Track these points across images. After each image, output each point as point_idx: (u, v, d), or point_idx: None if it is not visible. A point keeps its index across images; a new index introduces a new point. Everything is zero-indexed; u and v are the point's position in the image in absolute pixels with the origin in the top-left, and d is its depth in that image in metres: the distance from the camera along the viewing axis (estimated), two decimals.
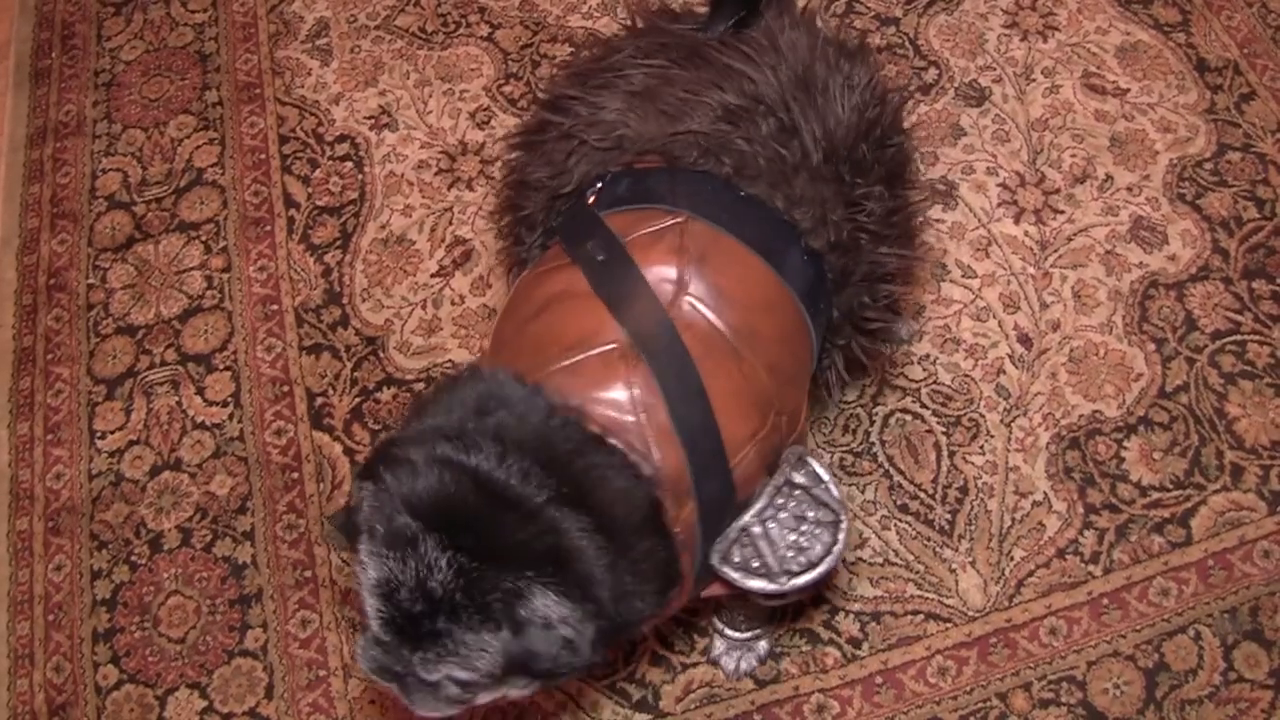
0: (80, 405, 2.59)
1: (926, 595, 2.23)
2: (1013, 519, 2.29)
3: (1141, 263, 2.55)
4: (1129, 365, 2.43)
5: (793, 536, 1.63)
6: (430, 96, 2.96)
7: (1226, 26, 2.88)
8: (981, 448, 2.36)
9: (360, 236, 2.74)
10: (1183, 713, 2.11)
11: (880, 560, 2.27)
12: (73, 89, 3.09)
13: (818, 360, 1.91)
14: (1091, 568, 2.24)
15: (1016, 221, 2.62)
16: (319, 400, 2.53)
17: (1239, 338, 2.45)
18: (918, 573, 2.25)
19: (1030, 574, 2.24)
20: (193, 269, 2.74)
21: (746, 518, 1.63)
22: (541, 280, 1.73)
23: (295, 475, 2.45)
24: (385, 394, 2.52)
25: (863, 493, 2.33)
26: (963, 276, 2.55)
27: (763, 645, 2.17)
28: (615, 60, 1.94)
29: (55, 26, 3.23)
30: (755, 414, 1.64)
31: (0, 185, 2.93)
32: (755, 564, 1.63)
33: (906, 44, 2.91)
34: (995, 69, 2.85)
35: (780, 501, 1.64)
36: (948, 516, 2.30)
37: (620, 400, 1.53)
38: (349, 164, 2.86)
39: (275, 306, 2.66)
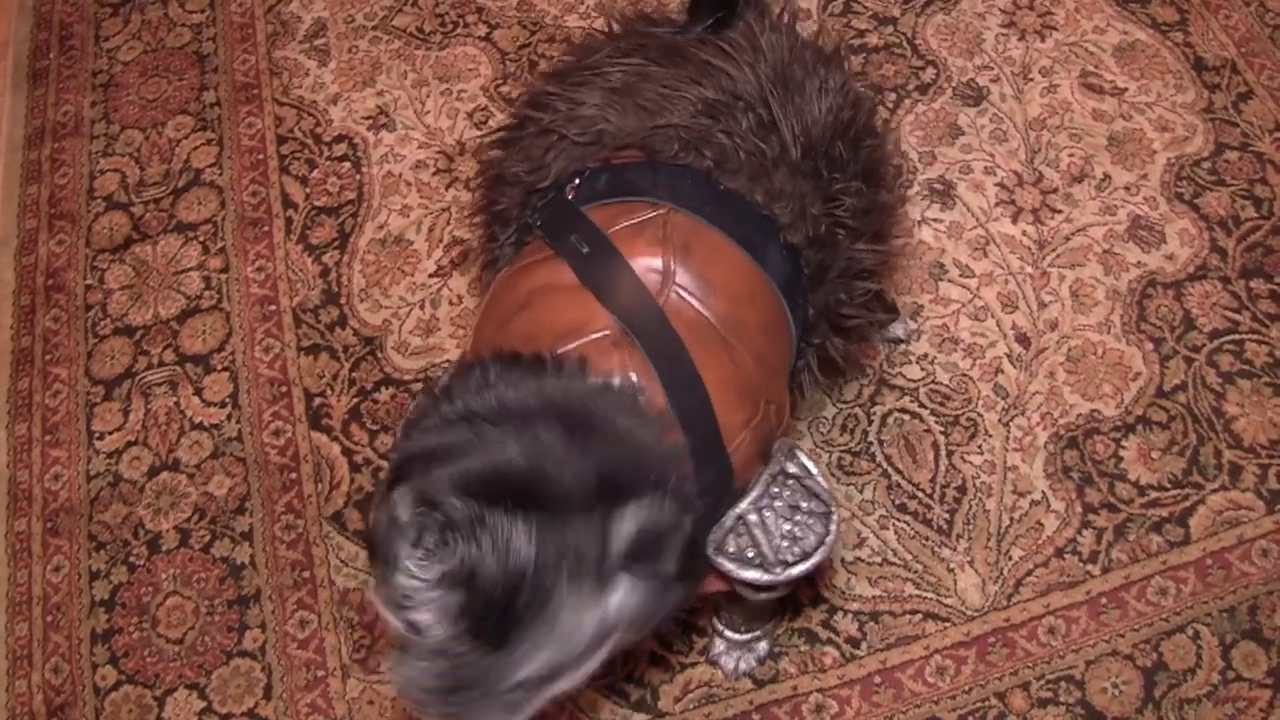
0: (78, 406, 2.59)
1: (925, 595, 2.23)
2: (1011, 518, 2.29)
3: (1139, 262, 2.55)
4: (1127, 364, 2.43)
5: (787, 526, 1.63)
6: (428, 97, 2.96)
7: (1224, 25, 2.88)
8: (980, 447, 2.36)
9: (358, 237, 2.74)
10: (1181, 712, 2.11)
11: (878, 560, 2.27)
12: (70, 89, 3.09)
13: (794, 359, 1.92)
14: (1090, 567, 2.24)
15: (1014, 221, 2.62)
16: (317, 401, 2.53)
17: (1237, 337, 2.45)
18: (916, 572, 2.25)
19: (1029, 573, 2.24)
20: (191, 269, 2.74)
21: (743, 505, 1.62)
22: (521, 276, 1.73)
23: (293, 476, 2.45)
24: (383, 394, 2.52)
25: (861, 492, 2.33)
26: (960, 276, 2.55)
27: (762, 646, 2.17)
28: (594, 60, 1.95)
29: (53, 27, 3.23)
30: (747, 402, 1.64)
31: None
32: (750, 554, 1.63)
33: (904, 43, 2.91)
34: (993, 68, 2.85)
35: (775, 490, 1.64)
36: (946, 516, 2.30)
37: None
38: (347, 164, 2.86)
39: (273, 307, 2.66)
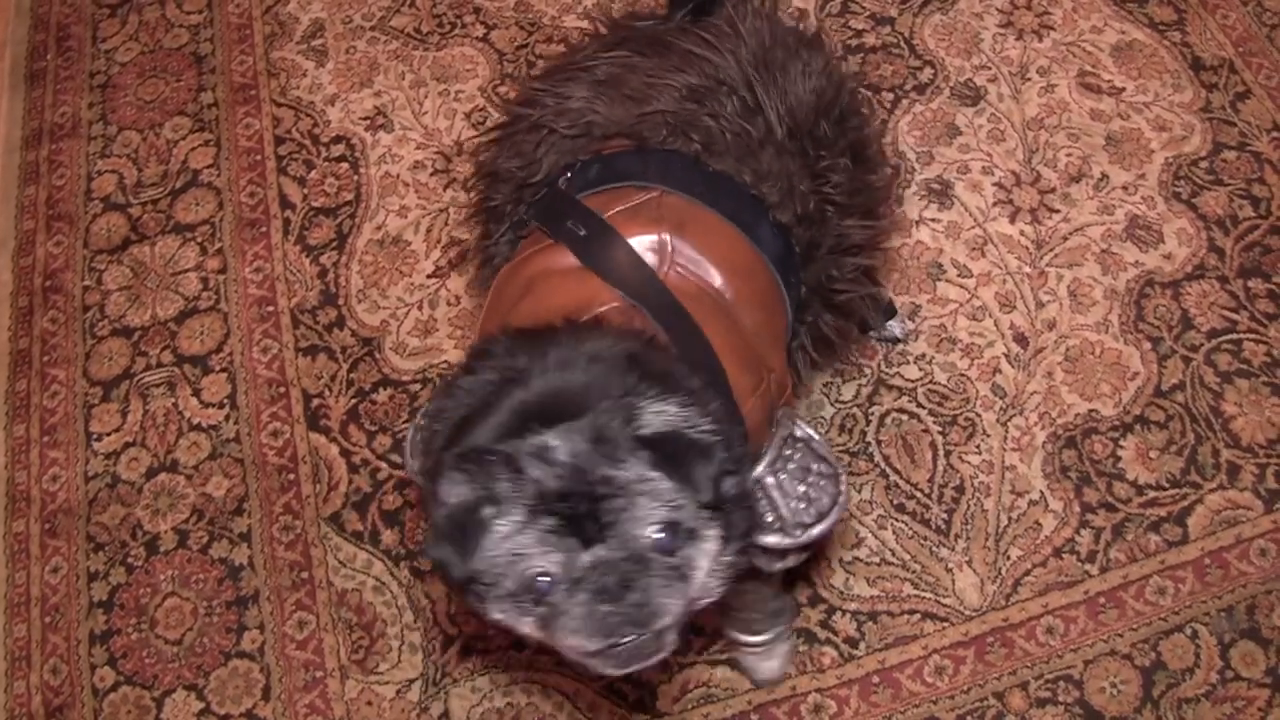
0: (76, 407, 2.59)
1: (923, 595, 2.23)
2: (1009, 518, 2.29)
3: (1137, 261, 2.55)
4: (1125, 364, 2.43)
5: (801, 488, 1.66)
6: (426, 97, 2.96)
7: (1222, 25, 2.88)
8: (978, 447, 2.36)
9: (356, 237, 2.74)
10: (1180, 711, 2.11)
11: (877, 560, 2.27)
12: (68, 91, 3.09)
13: (789, 338, 1.95)
14: (1088, 567, 2.24)
15: (1012, 221, 2.62)
16: (315, 401, 2.53)
17: (1235, 336, 2.45)
18: (914, 572, 2.25)
19: (1027, 573, 2.24)
20: (188, 270, 2.74)
21: (760, 469, 1.65)
22: (520, 268, 1.76)
23: (292, 476, 2.45)
24: (381, 395, 2.52)
25: (859, 492, 2.33)
26: (958, 276, 2.56)
27: (784, 645, 2.17)
28: (580, 56, 2.00)
29: (50, 28, 3.23)
30: (752, 370, 1.67)
31: None
32: (769, 518, 1.65)
33: (902, 43, 2.91)
34: (990, 68, 2.85)
35: (787, 454, 1.68)
36: (944, 516, 2.30)
37: None
38: (344, 165, 2.86)
39: (271, 308, 2.66)
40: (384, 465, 2.43)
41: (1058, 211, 2.62)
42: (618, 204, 1.75)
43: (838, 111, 1.95)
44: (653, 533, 1.37)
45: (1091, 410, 2.39)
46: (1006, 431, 2.38)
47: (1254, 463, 2.32)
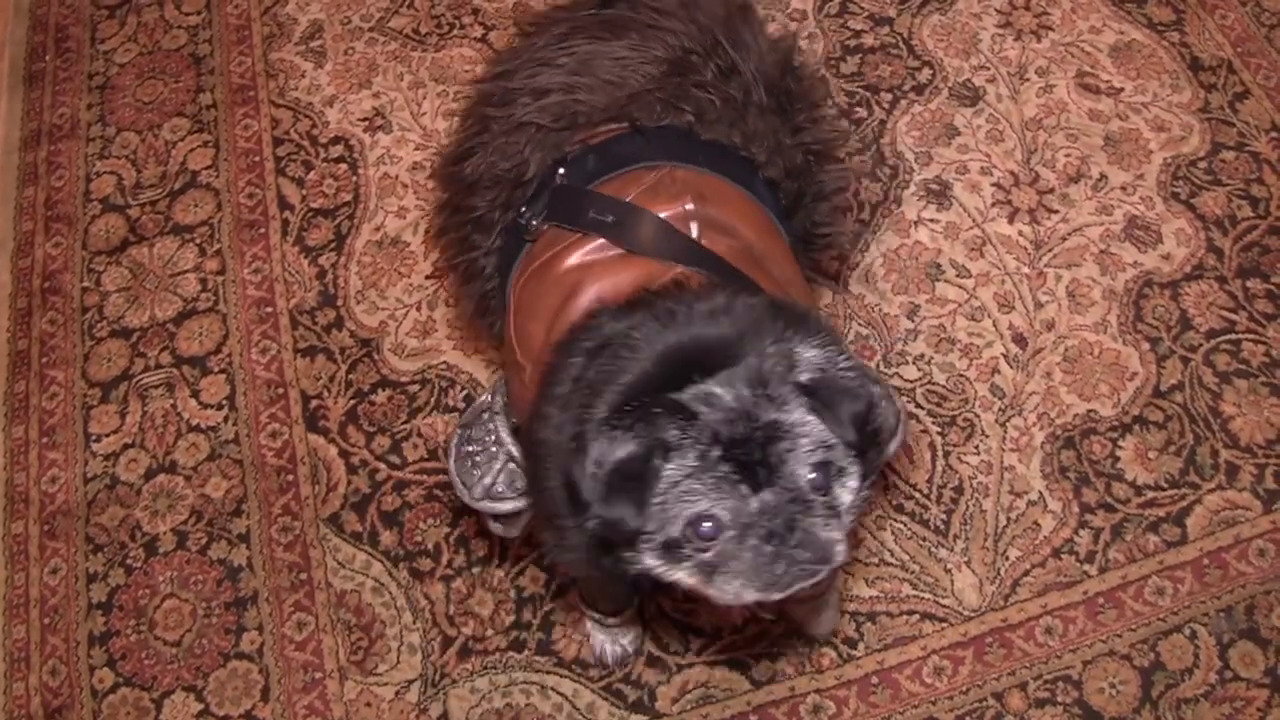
0: (75, 408, 2.59)
1: (922, 595, 2.23)
2: (1008, 518, 2.29)
3: (1136, 262, 2.55)
4: (1124, 364, 2.43)
5: None
6: (424, 98, 2.96)
7: (1220, 25, 2.88)
8: (976, 447, 2.36)
9: (355, 238, 2.74)
10: (1179, 712, 2.11)
11: (876, 560, 2.27)
12: (67, 92, 3.09)
13: None
14: (1087, 567, 2.24)
15: (1011, 221, 2.62)
16: (314, 403, 2.53)
17: (1234, 336, 2.45)
18: (913, 573, 2.25)
19: (1026, 573, 2.24)
20: (187, 272, 2.74)
21: None
22: (549, 268, 1.75)
23: (290, 478, 2.45)
24: (380, 396, 2.52)
25: None
26: (957, 276, 2.56)
27: (834, 595, 2.18)
28: (536, 54, 1.98)
29: (49, 29, 3.22)
30: None
31: None
32: None
33: (900, 44, 2.91)
34: (989, 69, 2.85)
35: None
36: (943, 516, 2.30)
37: None
38: (343, 166, 2.86)
39: (270, 309, 2.66)
40: (383, 466, 2.43)
41: (1056, 212, 2.63)
42: (633, 187, 1.76)
43: (794, 67, 2.03)
44: (810, 475, 1.40)
45: (1090, 411, 2.39)
46: (1005, 432, 2.38)
47: (1253, 463, 2.32)
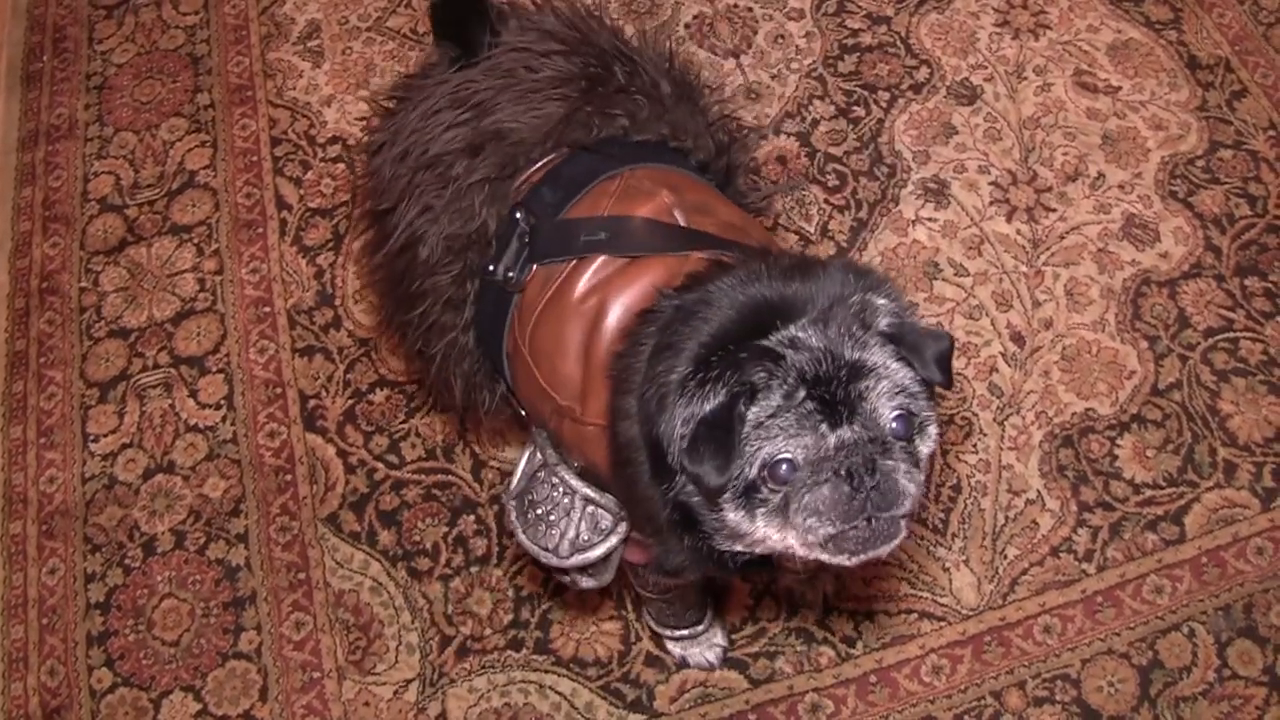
0: (73, 409, 2.59)
1: (920, 594, 2.23)
2: (1006, 517, 2.29)
3: (1134, 260, 2.55)
4: (1122, 363, 2.43)
5: None
6: None
7: (1218, 24, 2.88)
8: (975, 446, 2.36)
9: (352, 238, 2.73)
10: (1177, 710, 2.11)
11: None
12: (64, 92, 3.09)
13: None
14: (1085, 565, 2.24)
15: (1009, 220, 2.62)
16: (312, 402, 2.53)
17: (1231, 335, 2.45)
18: (911, 571, 2.25)
19: (1024, 572, 2.24)
20: (185, 271, 2.74)
21: None
22: (559, 305, 1.72)
23: (288, 477, 2.45)
24: (378, 395, 2.52)
25: None
26: (955, 275, 2.56)
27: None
28: (430, 119, 1.92)
29: (47, 30, 3.22)
30: None
31: None
32: None
33: (898, 43, 2.91)
34: (987, 67, 2.85)
35: None
36: (941, 515, 2.30)
37: None
38: (341, 165, 2.86)
39: (268, 309, 2.65)
40: (381, 466, 2.43)
41: (1054, 210, 2.63)
42: (604, 200, 1.76)
43: (672, 52, 2.05)
44: (893, 419, 1.40)
45: (1088, 409, 2.39)
46: (1003, 431, 2.38)
47: (1251, 461, 2.32)
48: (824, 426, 1.37)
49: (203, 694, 2.26)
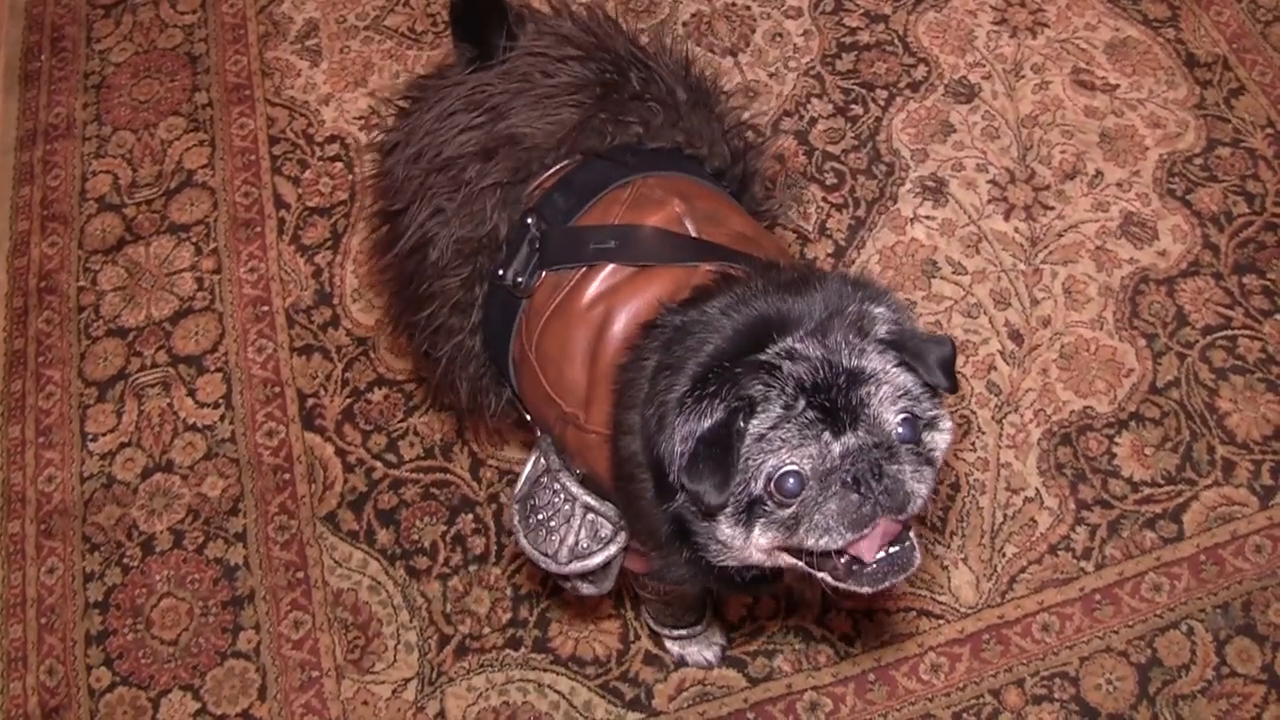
0: (72, 408, 2.59)
1: (919, 592, 2.23)
2: (1004, 515, 2.29)
3: (1132, 258, 2.55)
4: (1120, 361, 2.44)
5: None
6: None
7: (1216, 22, 2.88)
8: (973, 444, 2.36)
9: (351, 237, 2.73)
10: (1176, 708, 2.11)
11: None
12: (62, 91, 3.09)
13: None
14: (1084, 563, 2.24)
15: (1007, 218, 2.62)
16: (310, 401, 2.53)
17: (1230, 333, 2.45)
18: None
19: (1022, 570, 2.24)
20: (183, 271, 2.74)
21: None
22: (566, 311, 1.72)
23: (287, 476, 2.45)
24: (376, 394, 2.52)
25: None
26: (953, 273, 2.56)
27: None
28: (444, 120, 1.92)
29: (45, 29, 3.22)
30: None
31: None
32: None
33: (896, 41, 2.91)
34: (985, 65, 2.85)
35: None
36: (939, 513, 2.30)
37: None
38: (339, 164, 2.86)
39: (266, 308, 2.65)
40: (379, 465, 2.43)
41: (1052, 208, 2.63)
42: (616, 208, 1.76)
43: (691, 58, 2.04)
44: (898, 422, 1.40)
45: (1086, 407, 2.39)
46: (1002, 429, 2.38)
47: (1249, 459, 2.32)
48: (827, 435, 1.37)
49: (201, 693, 2.26)
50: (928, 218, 2.64)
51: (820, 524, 1.37)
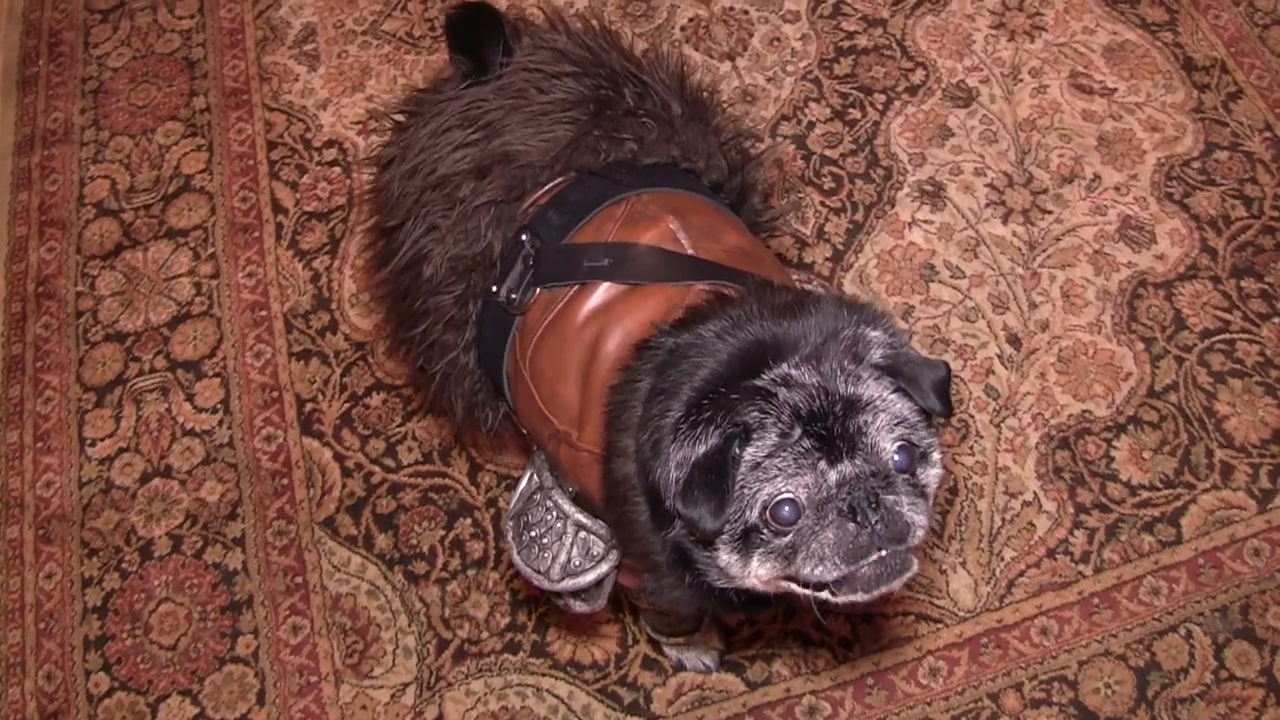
0: (70, 413, 2.59)
1: (917, 596, 2.23)
2: (1003, 519, 2.29)
3: (1130, 262, 2.55)
4: (1118, 364, 2.44)
5: None
6: None
7: (1214, 25, 2.88)
8: (971, 448, 2.36)
9: (349, 242, 2.73)
10: (1174, 712, 2.11)
11: None
12: (60, 96, 3.09)
13: None
14: (1082, 567, 2.24)
15: (1005, 222, 2.62)
16: (309, 406, 2.53)
17: (1228, 336, 2.45)
18: None
19: (1021, 574, 2.24)
20: (181, 276, 2.74)
21: None
22: (560, 328, 1.72)
23: (285, 481, 2.45)
24: (375, 399, 2.52)
25: None
26: (951, 277, 2.56)
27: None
28: (440, 137, 1.92)
29: (42, 34, 3.22)
30: None
31: None
32: None
33: (894, 45, 2.91)
34: (983, 70, 2.85)
35: None
36: (938, 517, 2.30)
37: None
38: (337, 169, 2.86)
39: (264, 312, 2.65)
40: (377, 469, 2.43)
41: (1050, 212, 2.63)
42: (610, 225, 1.76)
43: (687, 71, 2.03)
44: (895, 451, 1.40)
45: (1085, 411, 2.39)
46: (1000, 433, 2.38)
47: (1247, 462, 2.32)
48: (823, 464, 1.37)
49: (200, 698, 2.26)
50: (926, 222, 2.64)
51: (816, 553, 1.37)
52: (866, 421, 1.39)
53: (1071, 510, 2.29)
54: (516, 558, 1.74)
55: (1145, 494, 2.31)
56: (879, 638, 2.20)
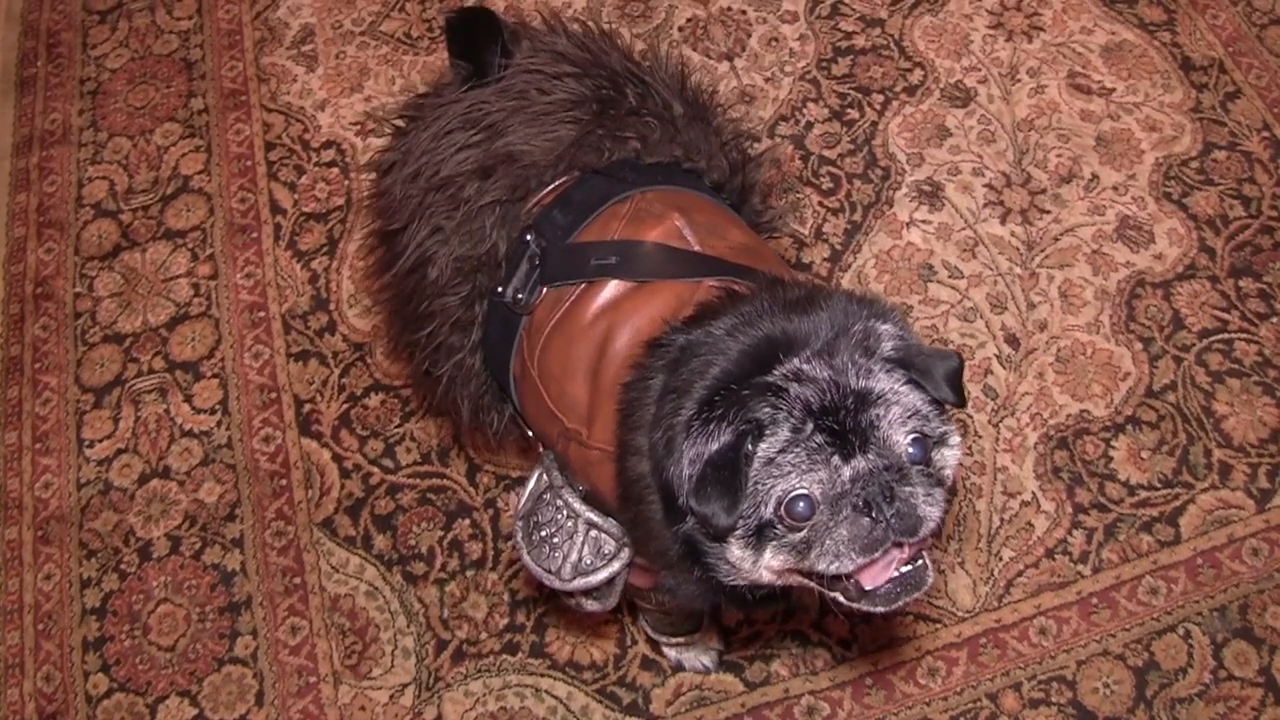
0: (68, 414, 2.59)
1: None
2: (1001, 519, 2.29)
3: (1128, 262, 2.55)
4: (1116, 364, 2.44)
5: None
6: None
7: (1211, 25, 2.88)
8: (970, 448, 2.36)
9: (347, 242, 2.73)
10: (1173, 711, 2.12)
11: None
12: (58, 97, 3.09)
13: None
14: (1080, 567, 2.24)
15: (1003, 222, 2.62)
16: (307, 407, 2.53)
17: (1226, 336, 2.46)
18: None
19: (1019, 574, 2.24)
20: (180, 276, 2.74)
21: None
22: (568, 326, 1.73)
23: (284, 482, 2.45)
24: (373, 400, 2.52)
25: None
26: (950, 277, 2.56)
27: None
28: (441, 139, 1.92)
29: (41, 35, 3.22)
30: None
31: None
32: None
33: (892, 45, 2.91)
34: (980, 70, 2.85)
35: None
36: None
37: None
38: (335, 170, 2.86)
39: (262, 313, 2.65)
40: (376, 470, 2.43)
41: (1048, 212, 2.63)
42: (615, 223, 1.76)
43: (688, 72, 2.04)
44: (908, 444, 1.40)
45: (1083, 411, 2.39)
46: (998, 433, 2.38)
47: (1246, 462, 2.32)
48: (836, 458, 1.37)
49: (199, 699, 2.26)
50: (924, 222, 2.64)
51: (831, 549, 1.37)
52: (879, 415, 1.39)
53: (1070, 510, 2.29)
54: (526, 558, 1.73)
55: (1144, 494, 2.31)
56: (878, 638, 2.20)
